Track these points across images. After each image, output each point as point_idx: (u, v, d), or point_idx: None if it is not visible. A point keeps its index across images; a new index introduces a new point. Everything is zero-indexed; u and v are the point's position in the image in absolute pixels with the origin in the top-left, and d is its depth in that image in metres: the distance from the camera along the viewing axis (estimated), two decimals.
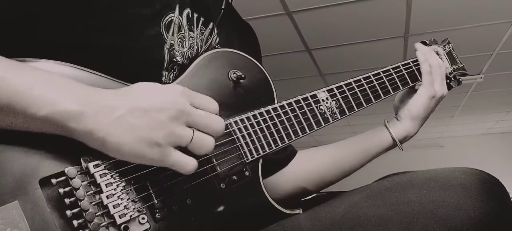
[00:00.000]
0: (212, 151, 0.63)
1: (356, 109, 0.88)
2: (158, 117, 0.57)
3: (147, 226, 0.59)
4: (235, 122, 0.74)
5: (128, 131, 0.55)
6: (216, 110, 0.64)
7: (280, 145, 0.77)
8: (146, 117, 0.57)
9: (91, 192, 0.57)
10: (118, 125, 0.55)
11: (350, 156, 0.97)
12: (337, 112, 0.85)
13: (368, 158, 0.97)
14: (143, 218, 0.59)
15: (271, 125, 0.77)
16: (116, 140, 0.55)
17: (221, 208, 0.68)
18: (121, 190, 0.59)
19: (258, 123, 0.76)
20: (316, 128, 0.82)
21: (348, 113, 0.86)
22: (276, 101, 0.81)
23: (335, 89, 0.86)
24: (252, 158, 0.73)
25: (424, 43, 1.06)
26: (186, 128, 0.59)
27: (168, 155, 0.58)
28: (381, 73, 0.93)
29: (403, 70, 0.96)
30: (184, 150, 0.60)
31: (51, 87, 0.54)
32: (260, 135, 0.75)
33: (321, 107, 0.83)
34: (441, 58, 1.03)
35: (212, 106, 0.64)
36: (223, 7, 0.89)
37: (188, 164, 0.59)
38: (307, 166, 0.99)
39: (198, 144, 0.60)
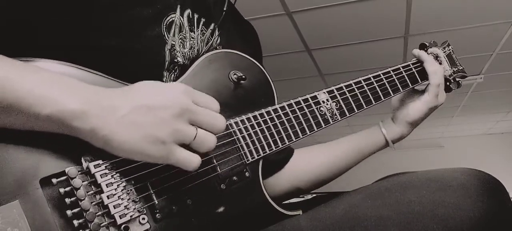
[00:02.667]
0: (213, 148, 0.63)
1: (356, 111, 0.88)
2: (162, 114, 0.57)
3: (147, 226, 0.59)
4: (236, 123, 0.74)
5: (132, 129, 0.56)
6: (217, 109, 0.65)
7: (281, 146, 0.77)
8: (150, 115, 0.57)
9: (92, 192, 0.57)
10: (122, 123, 0.55)
11: (345, 155, 0.99)
12: (337, 114, 0.85)
13: (362, 158, 0.99)
14: (143, 218, 0.59)
15: (271, 126, 0.77)
16: (120, 138, 0.55)
17: (221, 209, 0.68)
18: (122, 190, 0.59)
19: (258, 124, 0.76)
20: (316, 129, 0.82)
21: (348, 115, 0.86)
22: (276, 102, 0.81)
23: (335, 90, 0.86)
24: (252, 158, 0.74)
25: (423, 45, 1.06)
26: (189, 126, 0.60)
27: (173, 152, 0.58)
28: (381, 75, 0.93)
29: (403, 72, 0.96)
30: (187, 148, 0.60)
31: (54, 87, 0.54)
32: (261, 135, 0.75)
33: (321, 108, 0.83)
34: (440, 62, 1.03)
35: (213, 105, 0.64)
36: (225, 8, 0.89)
37: (193, 160, 0.60)
38: (303, 165, 0.99)
39: (201, 141, 0.61)
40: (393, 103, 1.01)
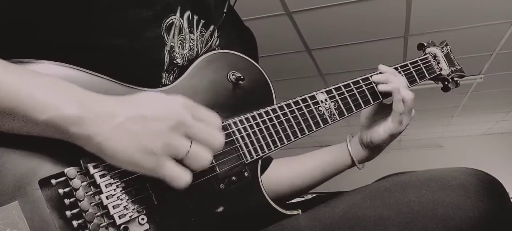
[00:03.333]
0: (208, 166, 0.61)
1: (355, 111, 0.88)
2: (157, 126, 0.56)
3: (146, 226, 0.59)
4: (235, 123, 0.74)
5: (125, 138, 0.55)
6: (218, 125, 0.63)
7: (279, 146, 0.77)
8: (145, 125, 0.56)
9: (91, 192, 0.57)
10: (117, 131, 0.55)
11: (311, 172, 0.98)
12: (335, 114, 0.85)
13: (327, 178, 0.98)
14: (142, 219, 0.59)
15: (270, 126, 0.77)
16: (113, 146, 0.55)
17: (220, 209, 0.68)
18: (121, 190, 0.59)
19: (257, 124, 0.76)
20: (315, 129, 0.82)
21: (346, 115, 0.86)
22: (275, 103, 0.81)
23: (333, 90, 0.86)
24: (251, 158, 0.74)
25: (421, 45, 1.06)
26: (183, 140, 0.58)
27: (163, 165, 0.57)
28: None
29: (402, 72, 0.96)
30: (180, 163, 0.58)
31: (52, 92, 0.54)
32: (260, 136, 0.75)
33: (319, 108, 0.83)
34: (438, 61, 1.03)
35: (214, 121, 0.63)
36: (225, 10, 0.89)
37: (181, 178, 0.58)
38: (276, 175, 0.99)
39: (194, 158, 0.59)
40: (361, 121, 0.97)
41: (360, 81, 0.90)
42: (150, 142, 0.56)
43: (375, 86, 0.91)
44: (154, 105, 0.58)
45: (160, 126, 0.56)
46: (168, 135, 0.57)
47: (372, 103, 0.90)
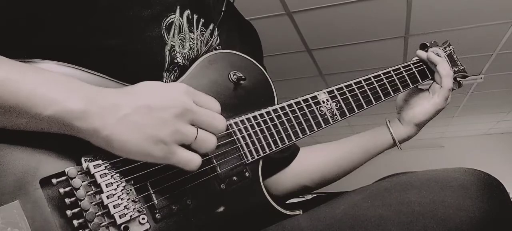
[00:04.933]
0: (214, 149, 0.63)
1: (356, 111, 0.88)
2: (163, 114, 0.57)
3: (147, 226, 0.60)
4: (236, 123, 0.74)
5: (133, 129, 0.56)
6: (218, 109, 0.65)
7: (280, 146, 0.77)
8: (151, 115, 0.57)
9: (92, 192, 0.57)
10: (123, 123, 0.55)
11: (351, 155, 0.98)
12: (337, 114, 0.85)
13: (368, 157, 0.99)
14: (143, 218, 0.59)
15: (271, 126, 0.77)
16: (122, 138, 0.55)
17: (221, 209, 0.68)
18: (122, 190, 0.59)
19: (258, 124, 0.76)
20: (316, 129, 0.82)
21: (348, 115, 0.86)
22: (276, 103, 0.81)
23: (335, 90, 0.86)
24: (252, 158, 0.74)
25: (424, 45, 1.06)
26: (190, 126, 0.60)
27: (174, 152, 0.58)
28: (381, 75, 0.93)
29: (404, 72, 0.96)
30: (187, 148, 0.60)
31: (56, 87, 0.54)
32: (261, 135, 0.75)
33: (321, 108, 0.83)
34: None
35: (214, 105, 0.65)
36: (223, 9, 0.89)
37: (193, 161, 0.60)
38: (308, 164, 0.99)
39: (201, 142, 0.61)
40: (398, 104, 1.01)
41: (362, 81, 0.90)
42: (159, 131, 0.57)
43: (376, 86, 0.91)
44: (158, 95, 0.59)
45: (166, 114, 0.57)
46: (175, 122, 0.58)
47: (374, 103, 0.90)
